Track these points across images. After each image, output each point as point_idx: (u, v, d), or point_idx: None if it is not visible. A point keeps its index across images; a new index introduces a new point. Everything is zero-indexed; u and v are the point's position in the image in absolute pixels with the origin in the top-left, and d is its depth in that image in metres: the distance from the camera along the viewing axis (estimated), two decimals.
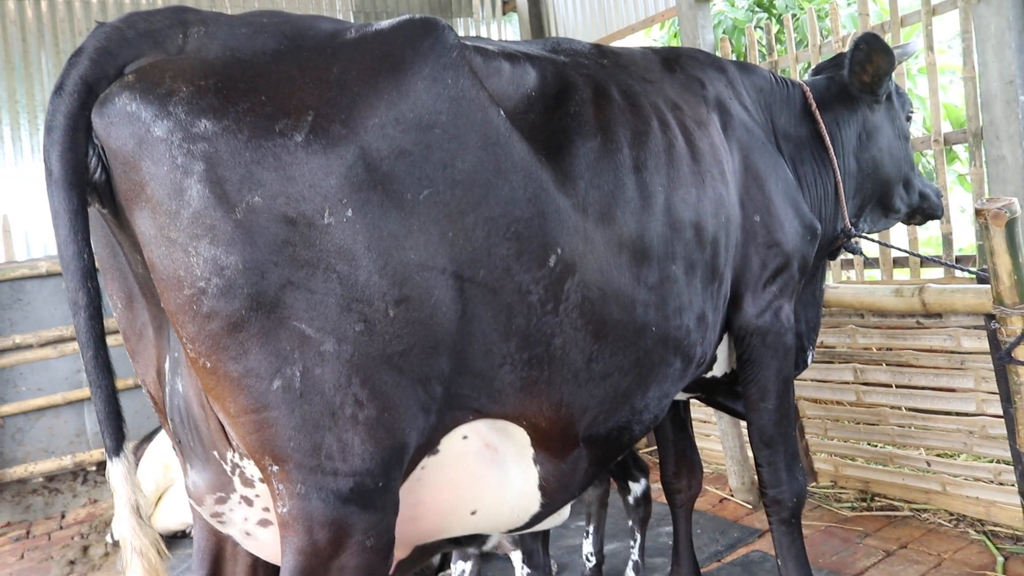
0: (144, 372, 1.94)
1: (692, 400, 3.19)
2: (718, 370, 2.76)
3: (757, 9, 7.59)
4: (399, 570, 2.09)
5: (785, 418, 2.72)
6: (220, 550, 2.13)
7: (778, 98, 3.00)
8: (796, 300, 2.79)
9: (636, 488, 3.40)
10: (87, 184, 1.56)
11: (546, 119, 2.03)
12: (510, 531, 2.25)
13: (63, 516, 5.68)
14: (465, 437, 1.93)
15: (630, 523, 3.46)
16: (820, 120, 3.01)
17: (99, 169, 1.56)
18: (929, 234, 7.37)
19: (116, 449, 1.60)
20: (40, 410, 5.67)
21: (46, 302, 5.74)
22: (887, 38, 4.90)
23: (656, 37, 8.95)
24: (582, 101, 2.14)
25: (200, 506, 1.96)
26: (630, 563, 3.48)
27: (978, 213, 2.93)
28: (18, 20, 6.34)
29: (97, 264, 1.84)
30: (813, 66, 4.97)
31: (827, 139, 3.00)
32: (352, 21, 7.64)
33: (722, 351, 2.70)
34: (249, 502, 1.89)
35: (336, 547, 1.64)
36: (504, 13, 8.44)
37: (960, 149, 7.17)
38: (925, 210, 3.48)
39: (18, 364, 5.61)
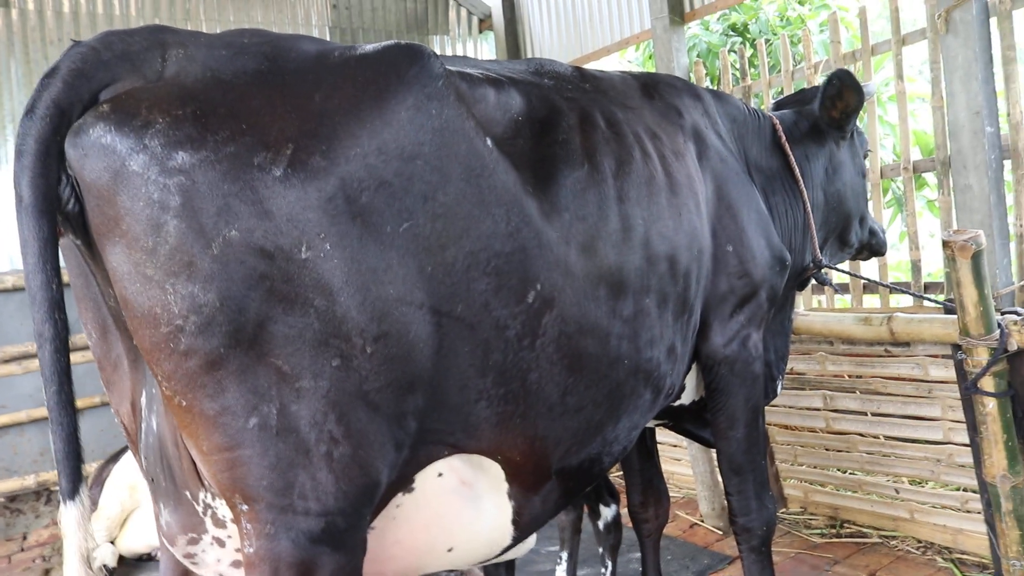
0: (118, 403, 1.89)
1: (662, 425, 3.19)
2: (686, 398, 2.76)
3: (731, 33, 7.68)
4: None
5: (754, 446, 2.72)
6: None
7: (750, 129, 3.02)
8: (765, 330, 2.80)
9: (607, 513, 3.38)
10: (59, 214, 1.51)
11: (534, 145, 2.01)
12: (480, 563, 2.24)
13: (25, 538, 5.54)
14: (440, 474, 1.90)
15: (600, 550, 3.44)
16: (790, 153, 3.05)
17: (72, 199, 1.52)
18: (899, 259, 7.46)
19: (72, 492, 1.54)
20: (3, 428, 5.54)
21: (11, 317, 5.62)
22: (858, 65, 4.96)
23: (631, 59, 9.02)
24: (569, 128, 2.12)
25: (173, 546, 1.92)
26: None
27: (945, 245, 2.96)
28: None
29: (73, 292, 1.79)
30: (786, 92, 5.05)
31: (797, 171, 3.04)
32: (328, 37, 7.62)
33: (690, 380, 2.70)
34: (221, 543, 1.85)
35: None
36: (480, 31, 8.46)
37: (930, 176, 7.28)
38: (873, 246, 3.59)
39: None
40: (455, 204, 1.75)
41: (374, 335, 1.62)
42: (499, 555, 2.21)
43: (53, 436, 1.55)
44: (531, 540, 2.38)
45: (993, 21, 3.92)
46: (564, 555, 3.53)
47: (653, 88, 2.66)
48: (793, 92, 3.68)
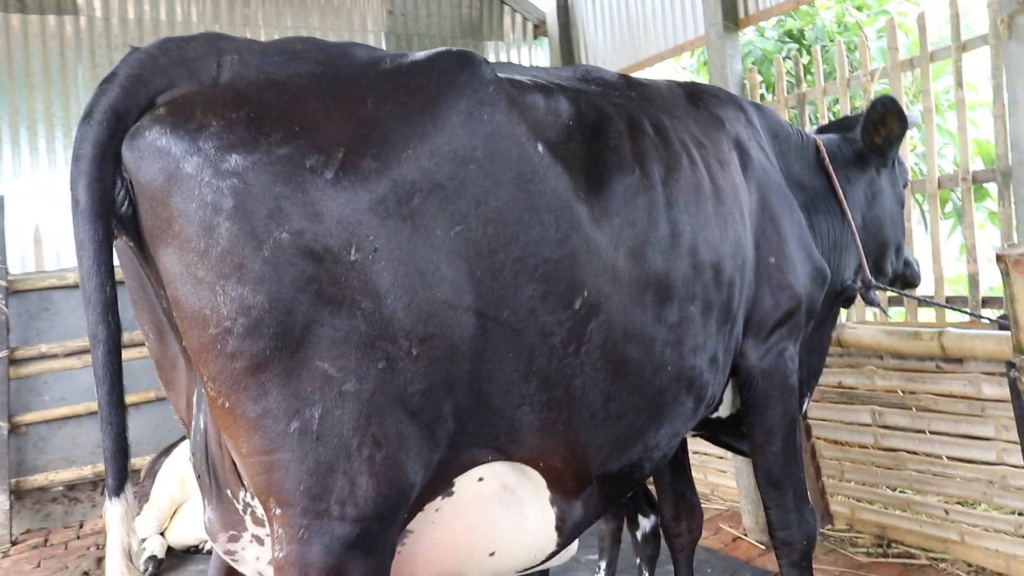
0: (176, 400, 1.93)
1: (699, 436, 3.15)
2: (724, 411, 2.73)
3: (787, 40, 7.54)
4: None
5: (792, 459, 2.68)
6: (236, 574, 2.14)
7: (793, 147, 3.03)
8: (801, 345, 2.76)
9: (645, 523, 3.35)
10: (114, 217, 1.54)
11: (584, 151, 2.00)
12: (524, 571, 2.22)
13: (81, 525, 5.73)
14: (481, 479, 1.89)
15: (638, 560, 3.41)
16: (833, 173, 3.05)
17: (126, 202, 1.54)
18: (959, 272, 7.23)
19: (117, 489, 1.57)
20: (63, 419, 5.74)
21: (72, 312, 5.82)
22: (915, 73, 4.84)
23: (685, 65, 8.94)
24: (619, 133, 2.11)
25: (215, 543, 1.96)
26: None
27: (999, 259, 2.87)
28: (57, 35, 6.50)
29: (128, 294, 1.82)
30: (841, 100, 4.96)
31: (840, 192, 3.04)
32: (384, 43, 7.72)
33: (728, 393, 2.67)
34: (260, 541, 1.87)
35: None
36: (535, 37, 8.48)
37: (992, 186, 7.07)
38: (907, 277, 3.56)
39: (43, 373, 5.69)
40: (506, 209, 1.75)
41: (420, 337, 1.61)
42: (545, 561, 2.19)
43: (103, 434, 1.57)
44: (573, 547, 2.37)
45: None
46: (603, 564, 3.51)
47: (698, 97, 2.66)
48: (837, 119, 3.69)
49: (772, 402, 2.58)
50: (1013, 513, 3.53)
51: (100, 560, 4.88)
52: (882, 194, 3.29)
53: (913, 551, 3.93)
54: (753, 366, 2.53)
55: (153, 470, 4.96)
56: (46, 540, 5.46)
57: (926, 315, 4.84)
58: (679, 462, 3.18)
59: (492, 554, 2.01)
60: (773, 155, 2.84)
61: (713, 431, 2.91)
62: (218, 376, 1.54)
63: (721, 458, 4.94)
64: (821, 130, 3.60)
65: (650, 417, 2.13)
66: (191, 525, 4.78)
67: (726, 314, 2.32)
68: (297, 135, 1.54)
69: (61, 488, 5.78)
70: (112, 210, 1.52)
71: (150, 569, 4.59)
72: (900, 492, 4.03)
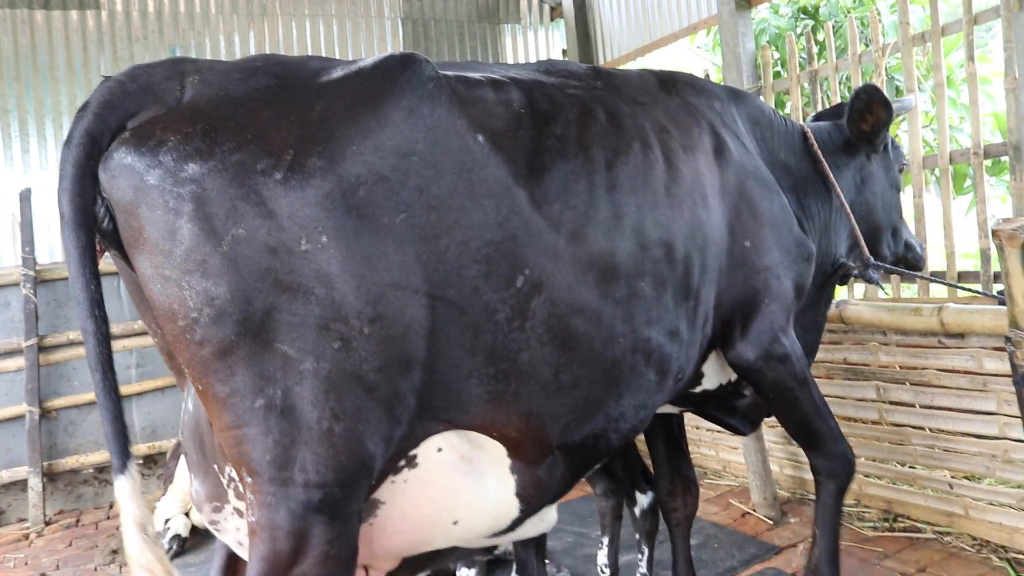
0: (183, 386, 2.12)
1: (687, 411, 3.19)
2: (710, 384, 2.77)
3: (802, 16, 7.45)
4: None
5: (818, 415, 2.80)
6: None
7: (776, 132, 3.07)
8: (795, 323, 2.80)
9: (643, 500, 3.40)
10: (98, 232, 1.72)
11: (530, 140, 2.10)
12: (494, 535, 2.29)
13: (111, 506, 5.92)
14: (440, 449, 1.99)
15: (637, 536, 3.46)
16: (822, 159, 3.09)
17: (107, 219, 1.71)
18: (971, 248, 7.13)
19: (122, 467, 1.71)
20: (91, 404, 5.90)
21: None
22: (927, 47, 4.78)
23: (701, 43, 8.88)
24: (567, 122, 2.20)
25: (200, 512, 2.10)
26: None
27: (994, 234, 2.87)
28: (80, 29, 6.64)
29: (132, 300, 2.00)
30: (853, 77, 4.92)
31: (831, 176, 3.07)
32: (400, 28, 7.73)
33: (711, 367, 2.71)
34: (241, 513, 2.00)
35: (298, 555, 1.72)
36: (552, 19, 8.48)
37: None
38: (909, 260, 3.58)
39: (71, 359, 5.86)
40: (447, 196, 1.87)
41: (371, 317, 1.75)
42: (512, 527, 2.25)
43: (102, 419, 1.73)
44: (552, 516, 2.41)
45: None
46: (605, 540, 3.57)
47: (671, 85, 2.71)
48: (832, 106, 3.74)
49: (780, 381, 2.67)
50: (1017, 487, 3.53)
51: None
52: (872, 179, 3.32)
53: (919, 525, 3.94)
54: (748, 350, 2.60)
55: (178, 452, 5.10)
56: (78, 520, 5.65)
57: (940, 291, 4.81)
58: (674, 438, 3.23)
59: (456, 523, 2.10)
60: (752, 141, 2.89)
61: (700, 405, 2.95)
62: (191, 362, 1.70)
63: (732, 435, 4.97)
64: (817, 117, 3.64)
65: (606, 388, 2.19)
66: None
67: (685, 291, 2.36)
68: (249, 142, 1.70)
69: (91, 470, 5.97)
70: (94, 223, 1.70)
71: (174, 548, 4.74)
72: (911, 467, 4.03)
